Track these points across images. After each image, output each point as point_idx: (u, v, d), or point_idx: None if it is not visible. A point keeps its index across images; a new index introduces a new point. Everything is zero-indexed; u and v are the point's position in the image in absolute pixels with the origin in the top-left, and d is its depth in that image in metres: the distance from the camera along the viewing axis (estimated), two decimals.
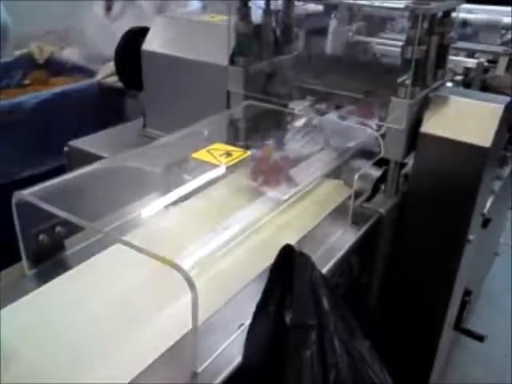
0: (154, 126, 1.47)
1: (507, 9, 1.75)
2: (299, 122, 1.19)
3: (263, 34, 1.23)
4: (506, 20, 1.75)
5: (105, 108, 1.91)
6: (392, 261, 1.11)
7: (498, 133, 1.00)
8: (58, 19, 2.32)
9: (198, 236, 0.77)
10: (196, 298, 0.60)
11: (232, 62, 1.20)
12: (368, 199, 1.06)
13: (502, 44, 1.71)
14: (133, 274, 0.81)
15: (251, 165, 1.03)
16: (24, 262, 0.81)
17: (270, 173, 1.01)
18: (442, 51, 1.10)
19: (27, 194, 0.77)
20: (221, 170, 0.92)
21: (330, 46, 1.54)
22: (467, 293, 1.34)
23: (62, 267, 0.83)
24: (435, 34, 1.05)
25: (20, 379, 0.64)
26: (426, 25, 0.99)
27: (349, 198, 0.99)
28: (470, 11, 1.75)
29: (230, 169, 0.93)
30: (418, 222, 1.09)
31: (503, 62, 1.50)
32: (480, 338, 1.41)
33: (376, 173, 1.07)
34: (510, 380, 1.74)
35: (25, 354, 0.67)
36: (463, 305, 1.33)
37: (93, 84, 1.94)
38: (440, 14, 1.07)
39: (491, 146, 0.97)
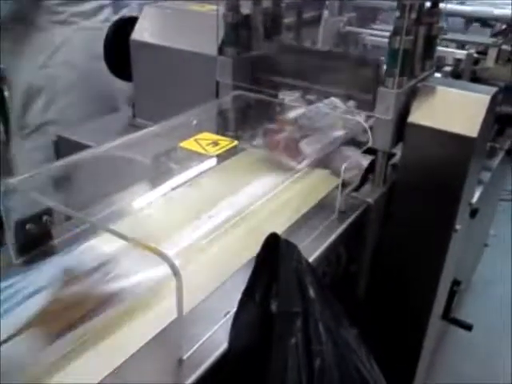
0: (143, 116, 1.46)
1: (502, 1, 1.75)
2: (288, 112, 1.19)
3: (252, 24, 1.23)
4: (497, 12, 1.76)
5: None
6: (379, 250, 1.11)
7: (485, 123, 1.00)
8: None
9: (185, 224, 0.77)
10: (181, 285, 0.60)
11: (221, 51, 1.20)
12: (356, 189, 1.06)
13: (492, 35, 1.72)
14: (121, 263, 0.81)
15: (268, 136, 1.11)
16: (11, 251, 0.81)
17: (285, 143, 1.07)
18: (430, 42, 1.11)
19: (15, 182, 0.77)
20: (208, 159, 0.92)
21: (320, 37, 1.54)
22: (456, 283, 1.35)
23: (48, 256, 0.83)
24: (423, 25, 1.06)
25: None
26: (413, 15, 0.99)
27: (336, 187, 0.99)
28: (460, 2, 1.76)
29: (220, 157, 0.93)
30: (405, 212, 1.09)
31: (493, 53, 1.50)
32: (468, 328, 1.43)
33: (364, 163, 1.08)
34: (497, 371, 1.77)
35: None
36: (452, 295, 1.34)
37: None
38: (428, 4, 1.07)
39: (478, 136, 0.98)
